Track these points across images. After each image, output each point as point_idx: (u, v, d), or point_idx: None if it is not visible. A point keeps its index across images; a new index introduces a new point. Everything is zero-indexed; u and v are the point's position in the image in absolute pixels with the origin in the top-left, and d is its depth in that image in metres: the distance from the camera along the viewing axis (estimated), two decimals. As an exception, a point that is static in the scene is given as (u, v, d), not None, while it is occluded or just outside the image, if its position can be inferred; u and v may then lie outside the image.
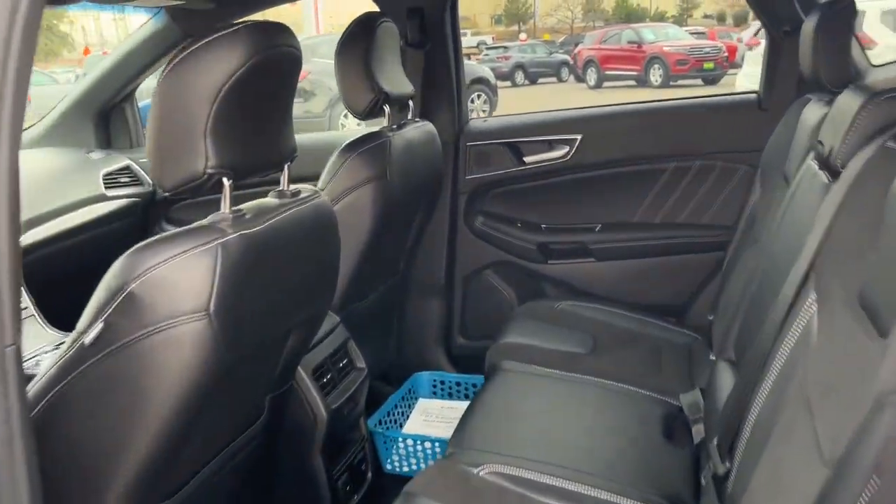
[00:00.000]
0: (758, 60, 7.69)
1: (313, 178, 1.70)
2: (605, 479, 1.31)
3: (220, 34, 0.99)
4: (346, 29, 1.70)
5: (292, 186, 1.22)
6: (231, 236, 0.97)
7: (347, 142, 1.72)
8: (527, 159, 2.26)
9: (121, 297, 0.93)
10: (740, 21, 34.48)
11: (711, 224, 2.17)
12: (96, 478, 1.00)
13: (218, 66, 0.97)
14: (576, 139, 2.19)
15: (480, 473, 1.29)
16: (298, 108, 9.48)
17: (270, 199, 1.15)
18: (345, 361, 1.68)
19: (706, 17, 38.88)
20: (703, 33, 19.60)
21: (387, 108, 1.75)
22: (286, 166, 1.16)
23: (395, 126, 1.82)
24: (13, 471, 0.79)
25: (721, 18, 38.23)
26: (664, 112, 2.22)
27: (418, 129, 1.91)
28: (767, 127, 1.92)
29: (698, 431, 1.52)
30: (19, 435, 0.78)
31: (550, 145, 2.24)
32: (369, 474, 1.77)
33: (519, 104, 12.07)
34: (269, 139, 1.09)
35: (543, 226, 2.30)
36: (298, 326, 1.29)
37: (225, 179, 1.00)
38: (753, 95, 2.12)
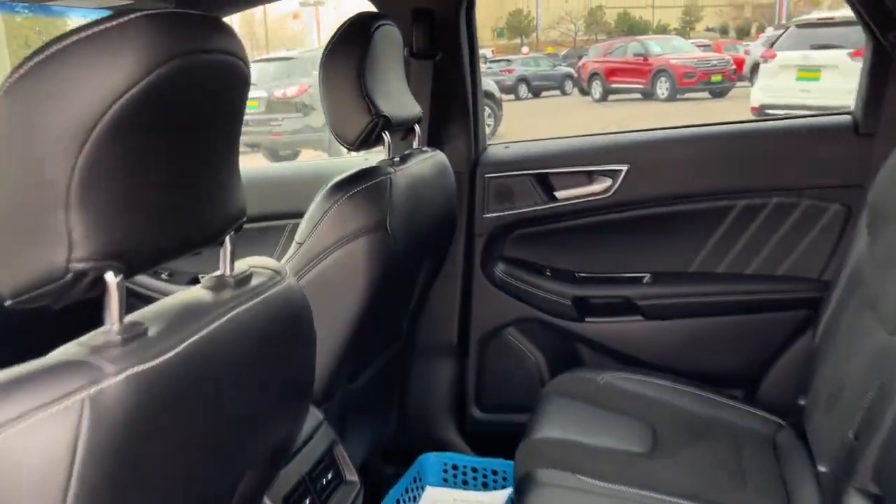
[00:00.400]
0: (773, 73, 7.34)
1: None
2: None
3: (97, 28, 0.58)
4: (335, 34, 1.30)
5: (242, 263, 0.80)
6: (111, 380, 0.56)
7: (335, 180, 1.31)
8: (559, 194, 1.84)
9: None
10: (743, 34, 34.39)
11: (792, 276, 1.74)
12: None
13: (91, 83, 0.56)
14: (621, 170, 1.77)
15: None
16: (297, 122, 9.28)
17: (199, 293, 0.73)
18: (331, 474, 1.26)
19: (708, 29, 38.94)
20: (708, 46, 19.44)
21: (386, 136, 1.34)
22: (227, 239, 0.75)
23: (396, 159, 1.41)
24: None
25: (724, 31, 38.24)
26: (732, 137, 1.80)
27: (427, 162, 1.49)
28: (869, 156, 1.51)
29: None
30: None
31: (589, 177, 1.82)
32: None
33: (524, 117, 11.68)
34: (191, 202, 0.67)
35: (579, 275, 1.87)
36: (255, 465, 0.87)
37: (109, 276, 0.59)
38: (847, 117, 1.70)
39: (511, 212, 1.86)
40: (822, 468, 1.27)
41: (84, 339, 0.60)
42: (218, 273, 0.75)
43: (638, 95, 15.50)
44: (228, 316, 0.70)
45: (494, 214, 1.86)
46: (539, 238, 1.89)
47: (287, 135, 9.29)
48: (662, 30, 34.19)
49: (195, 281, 2.13)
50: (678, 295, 1.79)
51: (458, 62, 1.78)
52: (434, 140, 1.80)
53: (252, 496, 0.92)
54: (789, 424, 1.52)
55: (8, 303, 0.59)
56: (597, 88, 16.24)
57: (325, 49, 1.28)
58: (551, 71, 18.61)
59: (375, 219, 1.26)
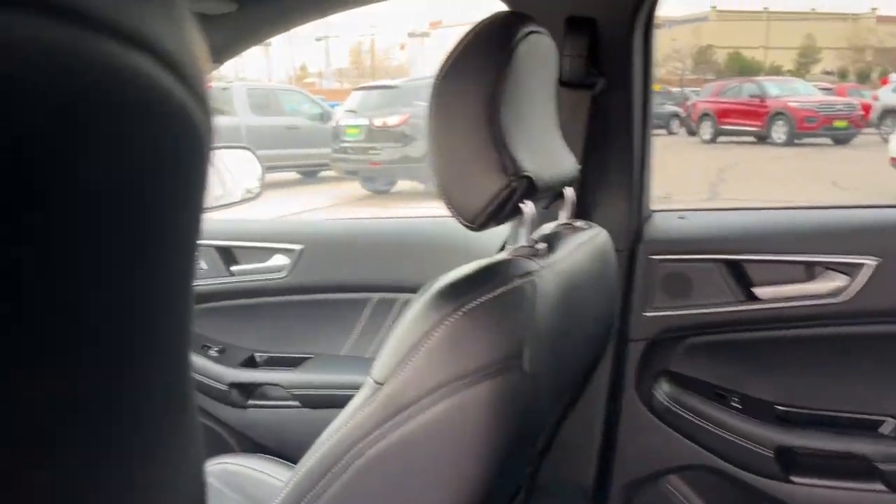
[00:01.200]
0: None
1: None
2: None
3: None
4: (457, 45, 0.78)
5: None
6: None
7: (442, 282, 0.78)
8: (760, 292, 1.26)
9: None
10: (864, 78, 32.42)
11: None
12: None
13: None
14: (867, 265, 1.18)
15: None
16: (396, 152, 9.13)
17: None
18: None
19: (826, 73, 37.10)
20: (830, 89, 18.40)
21: (527, 207, 0.81)
22: None
23: (540, 245, 0.87)
24: None
25: (843, 75, 36.35)
26: None
27: (585, 248, 0.95)
28: None
29: None
30: None
31: (810, 270, 1.23)
32: None
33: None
34: None
35: (784, 410, 1.28)
36: None
37: None
38: None
39: (686, 311, 1.29)
40: None
41: None
42: None
43: (750, 138, 14.79)
44: None
45: (661, 313, 1.30)
46: (725, 350, 1.31)
47: (385, 164, 9.22)
48: (776, 71, 32.85)
49: (251, 361, 1.67)
50: None
51: (627, 95, 1.24)
52: (582, 204, 1.26)
53: None
54: None
55: None
56: (707, 129, 15.84)
57: (442, 66, 0.77)
58: (658, 109, 18.14)
59: (507, 350, 0.72)
